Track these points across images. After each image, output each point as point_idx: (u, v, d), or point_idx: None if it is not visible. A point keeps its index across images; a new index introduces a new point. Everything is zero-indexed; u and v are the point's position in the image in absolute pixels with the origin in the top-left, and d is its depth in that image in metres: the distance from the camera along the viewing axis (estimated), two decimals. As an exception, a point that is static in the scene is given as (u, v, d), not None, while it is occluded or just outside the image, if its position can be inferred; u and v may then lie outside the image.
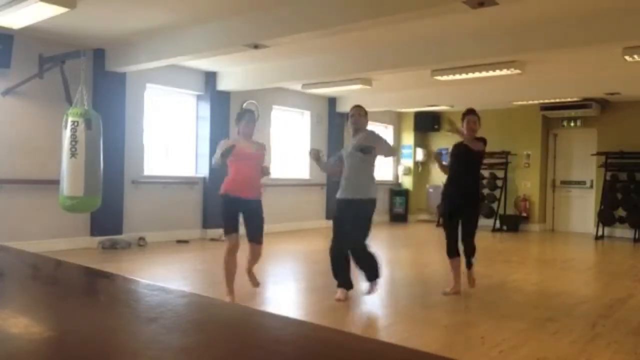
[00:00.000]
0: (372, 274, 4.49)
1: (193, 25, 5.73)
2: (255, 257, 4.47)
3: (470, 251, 4.78)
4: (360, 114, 4.73)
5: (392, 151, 5.09)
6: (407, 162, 12.25)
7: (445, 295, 4.72)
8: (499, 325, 3.87)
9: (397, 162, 12.21)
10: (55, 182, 5.29)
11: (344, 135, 10.92)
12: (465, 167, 4.81)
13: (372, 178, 4.61)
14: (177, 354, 0.87)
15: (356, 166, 4.52)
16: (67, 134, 5.00)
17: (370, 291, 4.53)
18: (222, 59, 7.11)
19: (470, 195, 4.82)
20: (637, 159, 9.35)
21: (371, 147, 4.48)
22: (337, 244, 4.54)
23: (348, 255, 4.52)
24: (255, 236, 4.38)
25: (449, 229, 4.88)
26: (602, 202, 9.52)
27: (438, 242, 9.09)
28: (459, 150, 4.84)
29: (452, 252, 4.85)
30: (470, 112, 4.89)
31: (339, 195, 4.62)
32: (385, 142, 4.66)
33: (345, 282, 4.54)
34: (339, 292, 4.50)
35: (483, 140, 4.75)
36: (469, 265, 4.83)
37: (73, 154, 4.97)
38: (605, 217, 9.41)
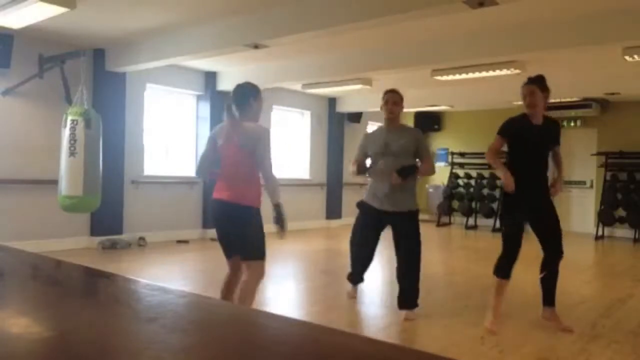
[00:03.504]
0: (414, 296, 4.00)
1: (193, 25, 5.73)
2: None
3: (555, 278, 3.83)
4: (396, 101, 3.96)
5: (433, 170, 4.16)
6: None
7: (491, 333, 3.70)
8: (499, 325, 3.87)
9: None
10: (56, 182, 5.29)
11: (344, 135, 10.92)
12: (536, 154, 3.74)
13: (415, 184, 4.03)
14: (177, 354, 0.87)
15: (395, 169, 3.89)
16: (66, 132, 5.00)
17: (411, 318, 3.95)
18: (222, 59, 7.11)
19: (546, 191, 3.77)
20: (637, 159, 9.35)
21: (415, 166, 3.90)
22: (360, 253, 4.27)
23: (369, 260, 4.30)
24: None
25: (514, 243, 3.75)
26: (602, 202, 9.52)
27: (438, 242, 9.10)
28: (526, 131, 3.69)
29: (507, 273, 3.76)
30: (532, 80, 3.68)
31: (372, 203, 4.03)
32: (430, 154, 4.07)
33: (359, 279, 4.47)
34: (351, 288, 4.56)
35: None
36: (552, 299, 3.84)
37: (72, 153, 4.96)
38: (605, 217, 9.40)
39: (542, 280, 3.84)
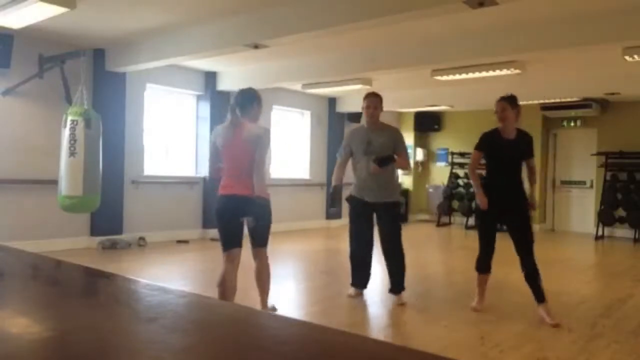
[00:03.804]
0: (401, 281, 4.40)
1: (193, 25, 5.73)
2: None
3: (535, 275, 3.97)
4: (376, 105, 4.33)
5: (409, 165, 4.59)
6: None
7: (475, 311, 4.23)
8: (499, 325, 3.87)
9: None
10: (56, 182, 5.28)
11: (344, 135, 10.92)
12: (508, 165, 4.05)
13: (396, 178, 4.43)
14: (177, 354, 0.87)
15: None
16: (66, 132, 4.99)
17: (401, 302, 4.38)
18: (222, 59, 7.10)
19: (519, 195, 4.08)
20: (637, 159, 9.34)
21: (392, 157, 4.22)
22: (359, 246, 4.52)
23: (370, 258, 4.60)
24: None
25: (489, 244, 4.16)
26: (602, 202, 9.52)
27: (438, 242, 9.10)
28: (498, 144, 4.03)
29: (487, 268, 4.22)
30: (504, 98, 4.02)
31: (358, 196, 4.39)
32: (406, 151, 4.44)
33: (361, 282, 4.66)
34: (352, 290, 4.67)
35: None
36: (542, 296, 3.99)
37: (72, 153, 4.96)
38: (605, 217, 9.40)
39: (525, 278, 4.04)
